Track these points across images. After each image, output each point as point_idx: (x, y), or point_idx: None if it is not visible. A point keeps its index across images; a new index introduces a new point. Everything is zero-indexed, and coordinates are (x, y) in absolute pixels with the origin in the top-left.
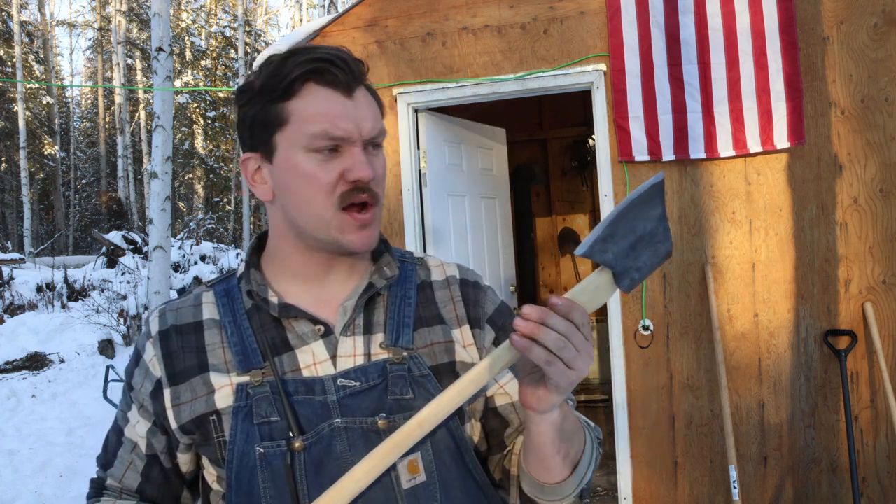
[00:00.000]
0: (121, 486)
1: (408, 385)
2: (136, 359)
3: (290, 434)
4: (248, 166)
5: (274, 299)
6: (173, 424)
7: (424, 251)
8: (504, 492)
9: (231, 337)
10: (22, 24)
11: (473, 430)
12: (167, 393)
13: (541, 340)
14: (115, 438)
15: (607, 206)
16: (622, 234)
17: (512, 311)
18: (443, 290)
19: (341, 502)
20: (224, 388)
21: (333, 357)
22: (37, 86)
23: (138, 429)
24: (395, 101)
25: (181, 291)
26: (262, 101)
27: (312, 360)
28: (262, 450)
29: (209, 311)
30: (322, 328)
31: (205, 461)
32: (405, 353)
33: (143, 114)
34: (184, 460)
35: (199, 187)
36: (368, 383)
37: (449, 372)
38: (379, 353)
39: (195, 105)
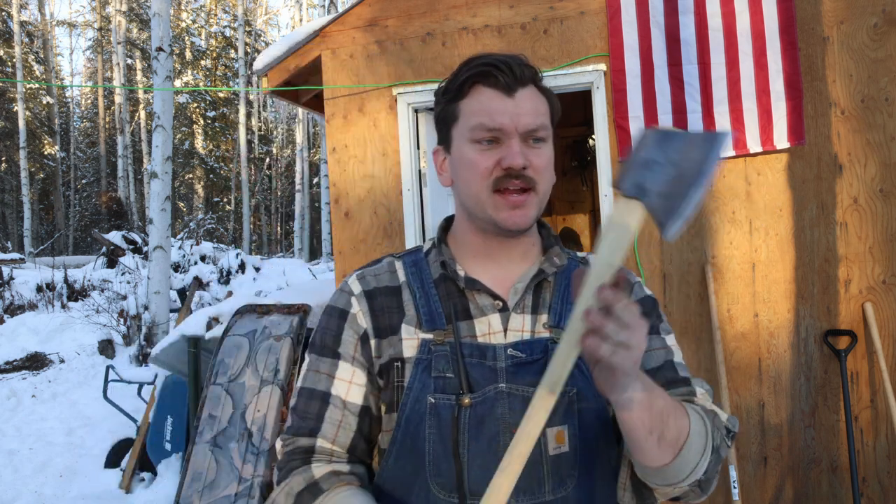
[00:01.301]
0: (332, 448)
1: None
2: (342, 315)
3: (461, 391)
4: (437, 157)
5: (462, 272)
6: (375, 370)
7: None
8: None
9: (419, 300)
10: (22, 24)
11: None
12: (373, 343)
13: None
14: (319, 404)
15: (607, 207)
16: (660, 164)
17: (656, 301)
18: None
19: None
20: (411, 341)
21: (505, 330)
22: (37, 86)
23: (356, 378)
24: (395, 101)
25: (181, 291)
26: (444, 101)
27: (488, 329)
28: (433, 400)
29: (401, 276)
30: (500, 303)
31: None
32: None
33: (143, 114)
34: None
35: (199, 187)
36: (532, 357)
37: None
38: (542, 332)
39: (195, 105)
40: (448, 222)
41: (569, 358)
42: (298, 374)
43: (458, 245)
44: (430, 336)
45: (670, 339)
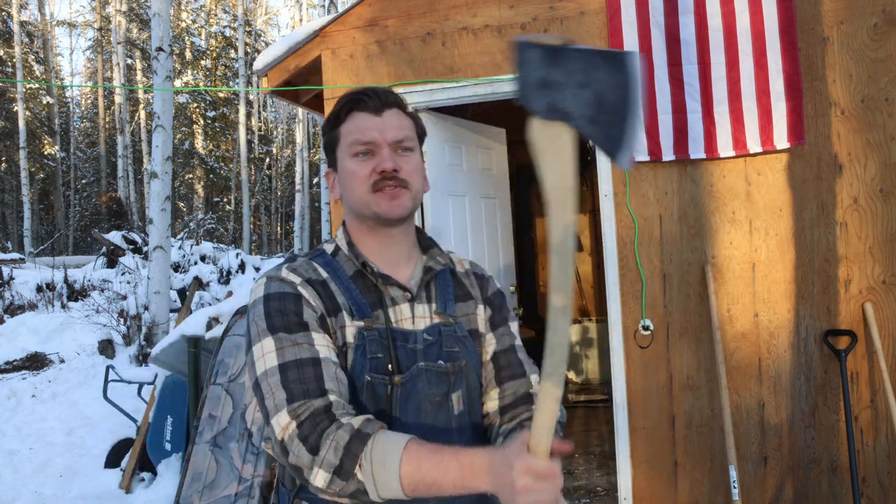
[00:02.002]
0: (342, 401)
1: (456, 342)
2: (296, 298)
3: (390, 369)
4: (329, 178)
5: (377, 269)
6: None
7: None
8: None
9: (344, 293)
10: (22, 24)
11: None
12: (329, 321)
13: None
14: (312, 369)
15: (607, 206)
16: (566, 85)
17: (504, 295)
18: (466, 278)
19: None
20: (350, 328)
21: (413, 317)
22: (37, 86)
23: (329, 343)
24: None
25: (181, 291)
26: (328, 129)
27: (401, 316)
28: (369, 378)
29: (323, 273)
30: (409, 294)
31: None
32: (451, 319)
33: (143, 114)
34: None
35: (199, 187)
36: (434, 338)
37: (476, 336)
38: (436, 318)
39: (195, 105)
40: (345, 228)
41: (564, 345)
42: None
43: (360, 248)
44: (361, 323)
45: (514, 327)
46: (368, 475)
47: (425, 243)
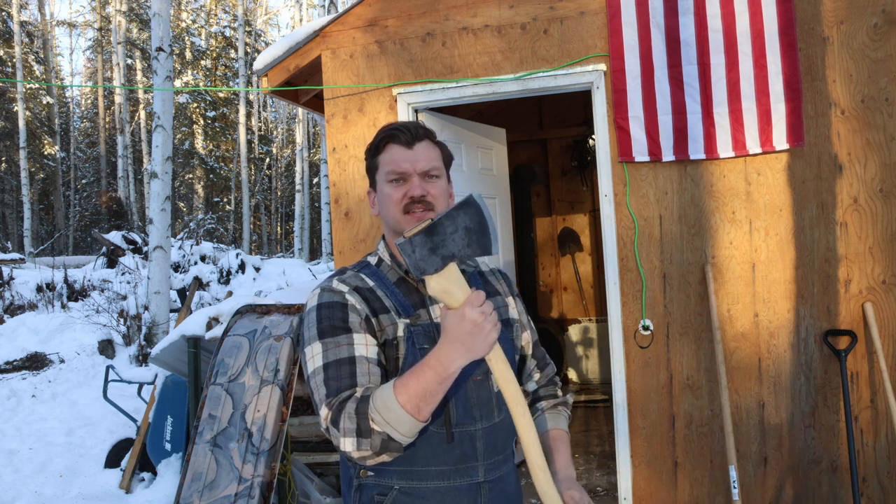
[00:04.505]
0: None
1: None
2: (342, 306)
3: None
4: (370, 196)
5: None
6: (380, 342)
7: None
8: None
9: (390, 297)
10: (22, 24)
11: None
12: (374, 321)
13: None
14: (348, 367)
15: (607, 206)
16: (450, 235)
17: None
18: (492, 276)
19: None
20: (399, 324)
21: None
22: (37, 86)
23: (369, 342)
24: (395, 101)
25: (181, 291)
26: (369, 156)
27: (439, 313)
28: None
29: (370, 281)
30: None
31: None
32: None
33: (143, 114)
34: None
35: (199, 187)
36: None
37: (508, 324)
38: None
39: (195, 105)
40: (385, 241)
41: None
42: (297, 371)
43: (400, 258)
44: (408, 321)
45: (529, 317)
46: (381, 422)
47: None
